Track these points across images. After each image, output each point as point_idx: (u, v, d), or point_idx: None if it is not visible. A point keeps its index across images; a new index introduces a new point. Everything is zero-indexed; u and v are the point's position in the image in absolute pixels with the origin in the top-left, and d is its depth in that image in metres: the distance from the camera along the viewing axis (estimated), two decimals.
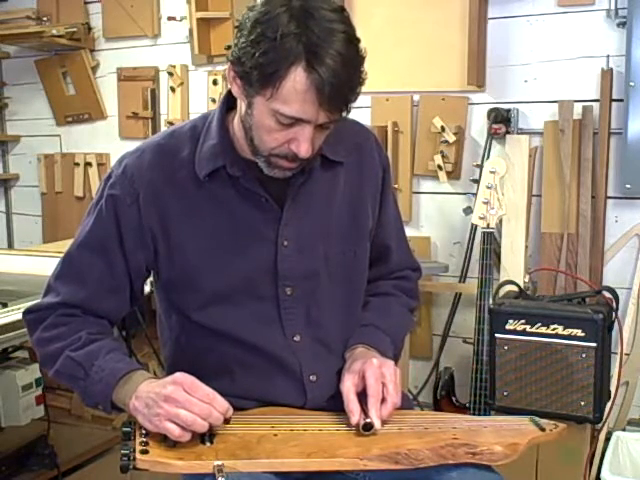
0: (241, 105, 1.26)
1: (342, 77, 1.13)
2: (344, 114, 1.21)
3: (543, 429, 1.26)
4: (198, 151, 1.31)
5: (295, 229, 1.33)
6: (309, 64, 1.12)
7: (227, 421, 1.16)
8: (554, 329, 2.17)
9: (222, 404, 1.15)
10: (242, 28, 1.18)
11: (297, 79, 1.13)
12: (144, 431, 1.14)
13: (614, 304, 2.27)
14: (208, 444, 1.13)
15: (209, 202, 1.31)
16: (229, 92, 1.32)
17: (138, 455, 1.08)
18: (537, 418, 1.31)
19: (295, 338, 1.35)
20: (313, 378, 1.34)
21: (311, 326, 1.36)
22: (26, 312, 1.37)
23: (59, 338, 1.29)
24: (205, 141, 1.32)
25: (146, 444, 1.10)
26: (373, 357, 1.30)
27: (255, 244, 1.32)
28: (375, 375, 1.25)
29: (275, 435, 1.19)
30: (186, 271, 1.32)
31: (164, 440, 1.13)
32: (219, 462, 1.08)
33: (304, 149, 1.20)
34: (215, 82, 3.17)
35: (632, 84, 2.40)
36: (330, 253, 1.37)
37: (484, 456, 1.18)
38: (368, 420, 1.20)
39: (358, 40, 1.18)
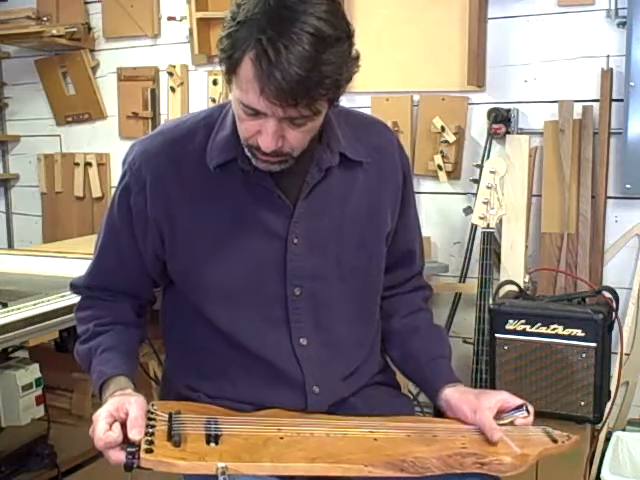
0: None
1: (291, 72, 1.04)
2: (306, 112, 1.11)
3: (555, 440, 1.24)
4: (211, 141, 1.27)
5: (306, 227, 1.28)
6: (258, 53, 1.05)
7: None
8: (554, 329, 2.17)
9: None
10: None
11: (247, 67, 1.07)
12: (149, 430, 1.14)
13: (614, 304, 2.27)
14: (213, 445, 1.12)
15: (217, 193, 1.27)
16: None
17: (142, 454, 1.08)
18: (550, 429, 1.28)
19: (302, 341, 1.30)
20: (316, 390, 1.31)
21: (319, 329, 1.31)
22: (70, 284, 1.44)
23: (80, 322, 1.38)
24: (219, 131, 1.28)
25: (151, 443, 1.10)
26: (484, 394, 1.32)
27: (263, 240, 1.27)
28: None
29: (281, 438, 1.17)
30: (190, 261, 1.29)
31: (169, 439, 1.12)
32: (223, 464, 1.07)
33: (264, 142, 1.14)
34: (215, 82, 3.16)
35: (632, 84, 2.40)
36: (343, 255, 1.32)
37: (492, 466, 1.15)
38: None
39: (333, 39, 1.07)
